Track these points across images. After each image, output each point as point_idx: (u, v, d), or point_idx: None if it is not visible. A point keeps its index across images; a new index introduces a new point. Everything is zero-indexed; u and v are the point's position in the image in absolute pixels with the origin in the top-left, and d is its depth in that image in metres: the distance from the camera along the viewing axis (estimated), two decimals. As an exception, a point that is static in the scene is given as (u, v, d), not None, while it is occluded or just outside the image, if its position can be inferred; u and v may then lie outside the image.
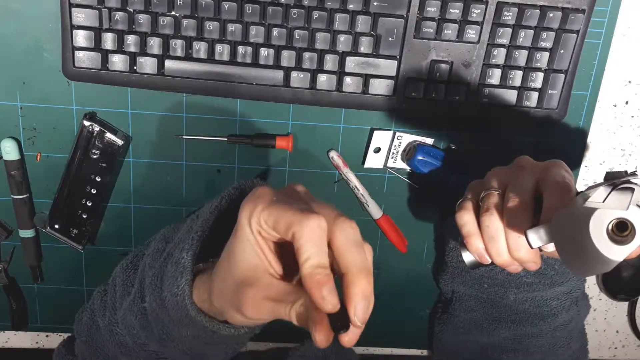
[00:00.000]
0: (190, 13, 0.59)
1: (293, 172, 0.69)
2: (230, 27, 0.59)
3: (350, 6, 0.59)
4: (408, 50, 0.62)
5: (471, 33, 0.61)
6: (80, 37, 0.59)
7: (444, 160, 0.67)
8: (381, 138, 0.68)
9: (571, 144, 0.70)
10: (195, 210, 0.67)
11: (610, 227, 0.39)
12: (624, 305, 0.81)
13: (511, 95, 0.63)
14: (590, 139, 0.70)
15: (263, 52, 0.60)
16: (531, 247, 0.46)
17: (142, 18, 0.59)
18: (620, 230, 0.39)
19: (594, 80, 0.67)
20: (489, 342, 0.68)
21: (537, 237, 0.45)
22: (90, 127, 0.64)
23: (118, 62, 0.60)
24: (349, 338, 0.39)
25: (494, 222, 0.49)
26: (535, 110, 0.64)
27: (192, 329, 0.49)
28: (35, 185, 0.68)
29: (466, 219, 0.52)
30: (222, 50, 0.60)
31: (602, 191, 0.40)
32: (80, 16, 0.59)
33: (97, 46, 0.60)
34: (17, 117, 0.65)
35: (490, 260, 0.52)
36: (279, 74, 0.61)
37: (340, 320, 0.38)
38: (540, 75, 0.63)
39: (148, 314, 0.52)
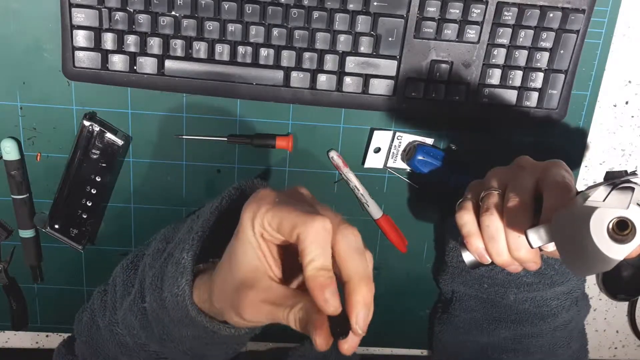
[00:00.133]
0: (190, 13, 0.59)
1: (293, 172, 0.69)
2: (230, 27, 0.59)
3: (350, 6, 0.59)
4: (408, 50, 0.62)
5: (471, 33, 0.61)
6: (80, 37, 0.59)
7: (444, 160, 0.67)
8: (381, 138, 0.68)
9: (571, 144, 0.70)
10: (196, 210, 0.67)
11: (610, 226, 0.39)
12: (624, 305, 0.81)
13: (511, 95, 0.63)
14: (590, 139, 0.70)
15: (263, 52, 0.60)
16: (531, 247, 0.46)
17: (142, 18, 0.59)
18: (621, 229, 0.39)
19: (594, 80, 0.67)
20: (489, 342, 0.68)
21: (537, 236, 0.45)
22: (90, 127, 0.64)
23: (118, 62, 0.60)
24: (348, 346, 0.39)
25: (494, 222, 0.49)
26: (535, 110, 0.64)
27: (192, 329, 0.49)
28: (35, 185, 0.68)
29: (466, 218, 0.52)
30: (222, 50, 0.60)
31: (602, 190, 0.40)
32: (80, 16, 0.59)
33: (97, 46, 0.60)
34: (17, 117, 0.65)
35: (490, 260, 0.52)
36: (279, 74, 0.61)
37: (340, 326, 0.38)
38: (540, 75, 0.63)
39: (148, 314, 0.52)
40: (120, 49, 0.60)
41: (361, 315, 0.38)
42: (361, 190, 0.69)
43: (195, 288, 0.48)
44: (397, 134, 0.67)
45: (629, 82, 0.68)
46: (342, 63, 0.61)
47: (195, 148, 0.67)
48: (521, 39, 0.61)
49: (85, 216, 0.67)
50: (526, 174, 0.50)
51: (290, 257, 0.44)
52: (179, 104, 0.65)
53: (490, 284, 0.65)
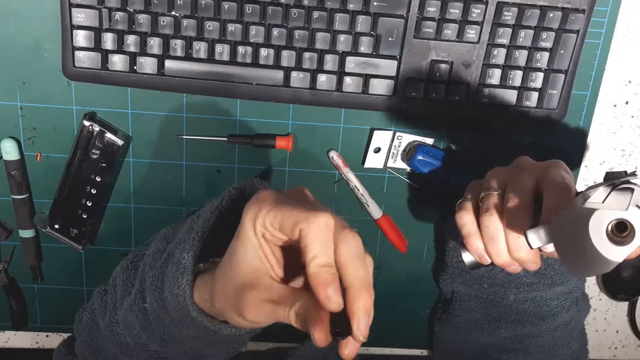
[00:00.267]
0: (190, 13, 0.59)
1: (293, 172, 0.69)
2: (230, 27, 0.59)
3: (350, 6, 0.59)
4: (408, 50, 0.62)
5: (471, 33, 0.61)
6: (80, 37, 0.59)
7: (444, 160, 0.67)
8: (381, 138, 0.68)
9: (571, 144, 0.70)
10: (196, 210, 0.67)
11: (609, 228, 0.39)
12: (624, 305, 0.81)
13: (511, 95, 0.63)
14: (590, 139, 0.70)
15: (263, 52, 0.60)
16: (531, 248, 0.46)
17: (142, 18, 0.59)
18: (620, 231, 0.39)
19: (594, 80, 0.67)
20: (489, 342, 0.68)
21: (536, 237, 0.45)
22: (90, 127, 0.64)
23: (118, 62, 0.60)
24: (349, 351, 0.40)
25: (493, 222, 0.49)
26: (535, 110, 0.64)
27: (193, 329, 0.49)
28: (35, 185, 0.68)
29: (466, 219, 0.52)
30: (222, 50, 0.60)
31: (601, 191, 0.40)
32: (80, 16, 0.59)
33: (97, 46, 0.60)
34: (17, 117, 0.65)
35: (490, 261, 0.52)
36: (279, 74, 0.61)
37: (340, 326, 0.39)
38: (540, 75, 0.63)
39: (149, 314, 0.52)
40: (120, 49, 0.60)
41: (362, 322, 0.38)
42: (361, 190, 0.69)
43: (196, 288, 0.48)
44: (397, 134, 0.67)
45: (629, 82, 0.68)
46: (342, 63, 0.61)
47: (195, 148, 0.67)
48: (521, 39, 0.61)
49: (85, 216, 0.67)
50: (526, 175, 0.50)
51: (291, 257, 0.44)
52: (179, 104, 0.65)
53: (490, 284, 0.65)
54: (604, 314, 0.81)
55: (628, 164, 0.72)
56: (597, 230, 0.39)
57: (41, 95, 0.64)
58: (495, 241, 0.49)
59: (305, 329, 0.39)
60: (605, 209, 0.39)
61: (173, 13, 0.59)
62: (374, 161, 0.69)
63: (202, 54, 0.60)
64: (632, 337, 0.83)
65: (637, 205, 0.39)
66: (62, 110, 0.65)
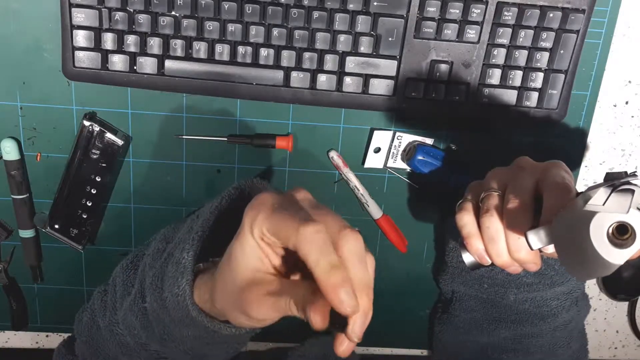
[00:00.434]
0: (190, 13, 0.59)
1: (293, 172, 0.69)
2: (230, 27, 0.59)
3: (350, 6, 0.59)
4: (408, 50, 0.62)
5: (471, 33, 0.61)
6: (80, 37, 0.59)
7: (444, 160, 0.67)
8: (381, 138, 0.68)
9: (571, 144, 0.70)
10: (196, 210, 0.67)
11: (610, 231, 0.39)
12: (624, 305, 0.81)
13: (511, 95, 0.63)
14: (590, 139, 0.70)
15: (263, 52, 0.60)
16: (531, 249, 0.46)
17: (142, 18, 0.59)
18: (621, 234, 0.39)
19: (594, 80, 0.67)
20: (489, 342, 0.68)
21: (537, 238, 0.45)
22: (90, 127, 0.64)
23: (118, 62, 0.60)
24: (343, 349, 0.39)
25: (494, 223, 0.49)
26: (535, 110, 0.64)
27: (193, 329, 0.49)
28: (35, 185, 0.68)
29: (466, 220, 0.52)
30: (222, 50, 0.60)
31: (602, 193, 0.40)
32: (80, 16, 0.59)
33: (97, 46, 0.60)
34: (17, 117, 0.65)
35: (490, 261, 0.52)
36: (279, 74, 0.61)
37: (337, 319, 0.38)
38: (540, 75, 0.63)
39: (149, 314, 0.52)
40: (120, 49, 0.60)
41: (358, 324, 0.38)
42: (361, 190, 0.69)
43: (196, 288, 0.48)
44: (397, 134, 0.67)
45: (629, 82, 0.68)
46: (342, 63, 0.61)
47: (195, 148, 0.67)
48: (521, 39, 0.61)
49: (85, 216, 0.67)
50: (526, 175, 0.50)
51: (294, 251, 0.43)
52: (179, 104, 0.65)
53: (490, 284, 0.65)
54: (604, 314, 0.81)
55: (628, 164, 0.72)
56: (598, 233, 0.39)
57: (41, 95, 0.64)
58: (495, 242, 0.49)
59: (306, 315, 0.38)
60: (606, 212, 0.39)
61: (173, 13, 0.59)
62: (374, 161, 0.69)
63: (202, 54, 0.60)
64: (632, 337, 0.83)
65: (637, 208, 0.39)
66: (62, 110, 0.65)
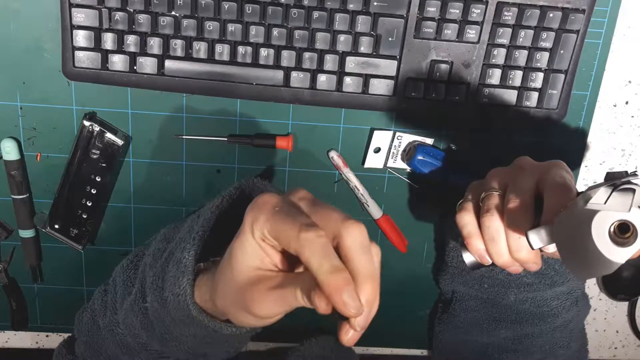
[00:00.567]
0: (190, 13, 0.59)
1: (293, 172, 0.69)
2: (230, 27, 0.59)
3: (350, 6, 0.59)
4: (408, 50, 0.62)
5: (471, 33, 0.61)
6: (80, 37, 0.59)
7: (444, 160, 0.67)
8: (381, 138, 0.68)
9: (571, 144, 0.70)
10: (196, 210, 0.67)
11: (612, 229, 0.39)
12: (624, 305, 0.81)
13: (511, 95, 0.63)
14: (590, 139, 0.70)
15: (263, 52, 0.60)
16: (532, 248, 0.46)
17: (142, 18, 0.59)
18: (622, 232, 0.39)
19: (594, 80, 0.67)
20: (489, 342, 0.68)
21: (538, 238, 0.45)
22: (90, 127, 0.64)
23: (118, 62, 0.60)
24: (349, 337, 0.39)
25: (494, 223, 0.49)
26: (535, 110, 0.64)
27: (193, 328, 0.49)
28: (35, 185, 0.68)
29: (467, 219, 0.52)
30: (222, 50, 0.60)
31: (603, 192, 0.40)
32: (80, 16, 0.59)
33: (97, 46, 0.60)
34: (17, 117, 0.65)
35: (490, 261, 0.52)
36: (279, 74, 0.61)
37: None
38: (540, 75, 0.63)
39: (150, 314, 0.52)
40: (120, 49, 0.60)
41: (361, 315, 0.37)
42: (361, 190, 0.69)
43: (197, 287, 0.48)
44: (397, 134, 0.67)
45: (629, 82, 0.68)
46: (342, 63, 0.61)
47: (195, 148, 0.67)
48: (521, 39, 0.61)
49: (85, 216, 0.67)
50: (526, 175, 0.50)
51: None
52: (179, 104, 0.65)
53: (490, 284, 0.65)
54: (604, 314, 0.81)
55: (628, 164, 0.72)
56: (600, 232, 0.39)
57: (41, 95, 0.64)
58: (496, 242, 0.49)
59: (312, 302, 0.38)
60: (608, 210, 0.39)
61: (173, 13, 0.59)
62: (374, 161, 0.69)
63: (202, 54, 0.60)
64: (632, 337, 0.83)
65: (639, 206, 0.39)
66: (62, 110, 0.65)
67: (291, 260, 0.43)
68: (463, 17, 0.60)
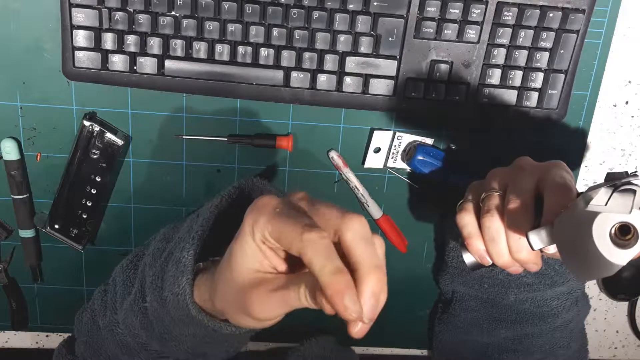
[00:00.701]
0: (190, 13, 0.59)
1: (293, 172, 0.69)
2: (230, 27, 0.59)
3: (350, 6, 0.59)
4: (408, 50, 0.62)
5: (471, 33, 0.61)
6: (80, 37, 0.59)
7: (444, 160, 0.67)
8: (381, 138, 0.68)
9: (571, 144, 0.70)
10: (195, 209, 0.67)
11: (613, 231, 0.39)
12: (624, 305, 0.81)
13: (511, 95, 0.63)
14: (590, 139, 0.70)
15: (263, 52, 0.60)
16: (532, 249, 0.46)
17: (142, 18, 0.59)
18: (623, 234, 0.39)
19: (594, 80, 0.67)
20: (489, 342, 0.68)
21: (538, 238, 0.45)
22: (90, 127, 0.64)
23: (118, 62, 0.60)
24: (357, 330, 0.38)
25: (494, 223, 0.49)
26: (535, 110, 0.64)
27: (193, 328, 0.49)
28: (35, 185, 0.68)
29: (467, 220, 0.52)
30: (222, 50, 0.60)
31: (603, 193, 0.40)
32: (80, 16, 0.59)
33: (97, 46, 0.60)
34: (17, 117, 0.65)
35: (491, 262, 0.52)
36: (279, 74, 0.61)
37: None
38: (540, 75, 0.63)
39: (149, 313, 0.52)
40: (120, 49, 0.60)
41: (367, 306, 0.37)
42: (361, 190, 0.69)
43: (196, 287, 0.48)
44: (397, 134, 0.67)
45: (629, 82, 0.68)
46: (342, 63, 0.61)
47: (195, 148, 0.67)
48: (521, 39, 0.61)
49: (85, 216, 0.67)
50: (526, 175, 0.50)
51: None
52: (179, 104, 0.65)
53: (490, 284, 0.65)
54: (604, 314, 0.81)
55: (628, 164, 0.72)
56: (601, 234, 0.39)
57: (41, 95, 0.64)
58: (496, 242, 0.49)
59: (318, 303, 0.38)
60: (609, 212, 0.39)
61: (173, 13, 0.59)
62: (374, 161, 0.69)
63: (202, 54, 0.60)
64: (632, 337, 0.83)
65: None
66: (62, 110, 0.65)
67: (290, 264, 0.43)
68: (463, 17, 0.60)
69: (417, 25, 0.61)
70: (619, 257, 0.39)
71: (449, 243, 0.69)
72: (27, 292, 0.73)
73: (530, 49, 0.62)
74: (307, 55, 0.61)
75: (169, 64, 0.60)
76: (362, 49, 0.61)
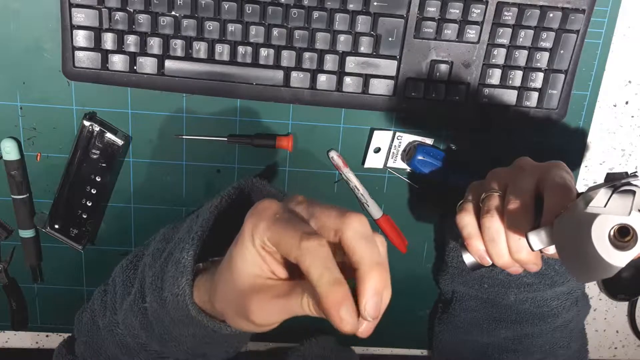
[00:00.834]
0: (190, 13, 0.59)
1: (293, 172, 0.69)
2: (230, 27, 0.59)
3: (350, 6, 0.59)
4: (408, 50, 0.62)
5: (471, 33, 0.61)
6: (80, 37, 0.59)
7: (444, 160, 0.67)
8: (381, 138, 0.68)
9: (571, 144, 0.70)
10: (195, 210, 0.67)
11: (612, 233, 0.39)
12: (624, 305, 0.81)
13: (511, 95, 0.63)
14: (590, 139, 0.70)
15: (263, 52, 0.60)
16: (532, 250, 0.46)
17: (142, 18, 0.59)
18: (622, 236, 0.39)
19: (594, 80, 0.67)
20: (489, 342, 0.68)
21: (538, 239, 0.45)
22: (90, 127, 0.64)
23: (118, 62, 0.60)
24: (362, 329, 0.38)
25: (494, 223, 0.49)
26: (535, 110, 0.64)
27: (193, 328, 0.49)
28: (35, 185, 0.68)
29: (467, 220, 0.52)
30: (222, 50, 0.60)
31: (603, 194, 0.39)
32: (80, 16, 0.59)
33: (97, 46, 0.60)
34: (17, 117, 0.65)
35: (490, 262, 0.52)
36: (279, 74, 0.61)
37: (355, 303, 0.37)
38: (540, 75, 0.63)
39: (149, 314, 0.52)
40: (120, 49, 0.60)
41: (370, 304, 0.36)
42: (361, 190, 0.69)
43: (196, 288, 0.48)
44: (397, 134, 0.67)
45: (629, 82, 0.68)
46: (342, 63, 0.61)
47: (195, 148, 0.67)
48: (521, 39, 0.61)
49: (85, 216, 0.67)
50: (526, 175, 0.50)
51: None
52: (179, 104, 0.65)
53: (490, 284, 0.65)
54: (604, 314, 0.81)
55: (628, 164, 0.72)
56: (600, 236, 0.39)
57: (41, 95, 0.64)
58: (496, 242, 0.49)
59: (320, 312, 0.37)
60: (608, 214, 0.39)
61: (173, 13, 0.59)
62: (374, 161, 0.69)
63: (202, 54, 0.60)
64: (632, 337, 0.83)
65: (639, 210, 0.39)
66: (62, 110, 0.65)
67: (290, 270, 0.42)
68: (463, 17, 0.60)
69: (417, 25, 0.61)
70: (618, 259, 0.39)
71: (449, 243, 0.69)
72: (27, 292, 0.74)
73: (530, 49, 0.62)
74: (307, 55, 0.61)
75: (169, 64, 0.60)
76: (362, 49, 0.61)
